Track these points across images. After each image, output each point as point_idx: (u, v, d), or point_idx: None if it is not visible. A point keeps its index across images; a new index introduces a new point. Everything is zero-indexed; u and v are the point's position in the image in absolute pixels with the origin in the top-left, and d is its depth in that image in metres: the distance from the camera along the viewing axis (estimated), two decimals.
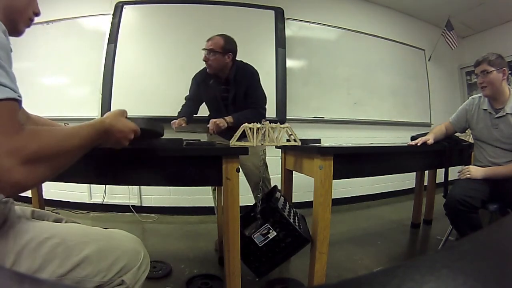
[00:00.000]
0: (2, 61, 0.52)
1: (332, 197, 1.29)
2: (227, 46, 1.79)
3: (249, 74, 1.88)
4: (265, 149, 1.48)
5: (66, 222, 0.84)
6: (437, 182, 2.36)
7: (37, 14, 0.77)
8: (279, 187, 1.72)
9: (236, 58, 1.89)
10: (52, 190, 2.77)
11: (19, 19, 0.70)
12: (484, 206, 1.49)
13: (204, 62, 1.82)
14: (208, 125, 1.71)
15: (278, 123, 1.40)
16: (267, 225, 1.30)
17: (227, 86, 1.87)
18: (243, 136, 1.34)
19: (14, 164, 0.47)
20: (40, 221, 0.78)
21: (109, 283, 0.67)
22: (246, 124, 1.34)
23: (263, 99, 1.94)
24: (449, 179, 1.81)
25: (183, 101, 2.02)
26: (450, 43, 3.86)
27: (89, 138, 0.64)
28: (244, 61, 1.94)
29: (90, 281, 0.65)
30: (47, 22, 2.93)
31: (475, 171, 1.56)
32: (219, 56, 1.77)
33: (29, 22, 0.76)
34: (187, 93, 2.04)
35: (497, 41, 4.04)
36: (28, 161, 0.49)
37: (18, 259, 0.60)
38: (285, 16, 3.17)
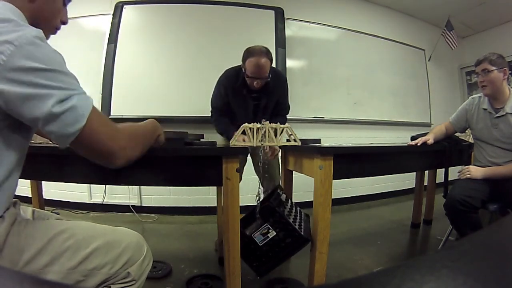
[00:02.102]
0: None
1: (332, 197, 1.29)
2: (271, 64, 1.71)
3: (282, 83, 1.87)
4: (265, 148, 1.47)
5: None
6: (437, 182, 2.35)
7: (64, 23, 0.78)
8: None
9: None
10: (52, 190, 2.77)
11: (45, 28, 0.69)
12: (484, 206, 1.48)
13: (253, 85, 1.71)
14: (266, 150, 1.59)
15: (278, 123, 1.40)
16: (266, 225, 1.30)
17: (259, 93, 1.80)
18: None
19: (126, 143, 0.70)
20: (46, 220, 0.80)
21: (116, 275, 0.70)
22: (246, 124, 1.34)
23: (289, 104, 2.00)
24: (449, 179, 1.81)
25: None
26: (450, 43, 3.86)
27: (151, 128, 0.87)
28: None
29: (98, 273, 0.68)
30: None
31: (475, 171, 1.56)
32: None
33: (55, 31, 0.77)
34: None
35: (497, 41, 4.04)
36: (129, 140, 0.72)
37: (32, 255, 0.63)
38: (285, 16, 3.17)
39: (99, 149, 0.65)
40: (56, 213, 0.97)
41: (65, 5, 0.77)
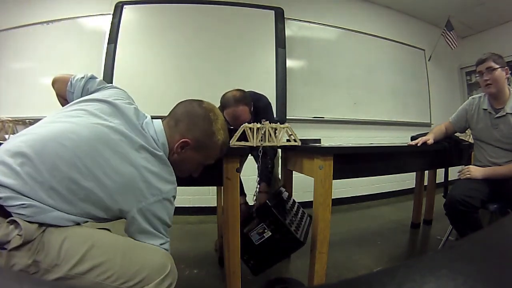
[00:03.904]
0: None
1: (332, 197, 1.29)
2: (250, 106, 1.63)
3: (262, 108, 1.77)
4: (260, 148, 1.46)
5: None
6: (437, 182, 2.35)
7: (192, 176, 0.97)
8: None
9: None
10: None
11: (181, 174, 0.93)
12: (484, 206, 1.48)
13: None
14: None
15: (278, 123, 1.40)
16: (262, 225, 1.30)
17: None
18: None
19: None
20: None
21: None
22: (246, 124, 1.34)
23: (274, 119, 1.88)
24: (449, 179, 1.81)
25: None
26: (450, 43, 3.86)
27: None
28: (255, 91, 1.82)
29: (108, 286, 0.66)
30: (47, 22, 2.93)
31: (475, 171, 1.56)
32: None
33: (187, 175, 0.97)
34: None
35: (497, 41, 4.04)
36: None
37: (45, 253, 0.63)
38: (285, 16, 3.17)
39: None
40: None
41: (202, 166, 0.96)
